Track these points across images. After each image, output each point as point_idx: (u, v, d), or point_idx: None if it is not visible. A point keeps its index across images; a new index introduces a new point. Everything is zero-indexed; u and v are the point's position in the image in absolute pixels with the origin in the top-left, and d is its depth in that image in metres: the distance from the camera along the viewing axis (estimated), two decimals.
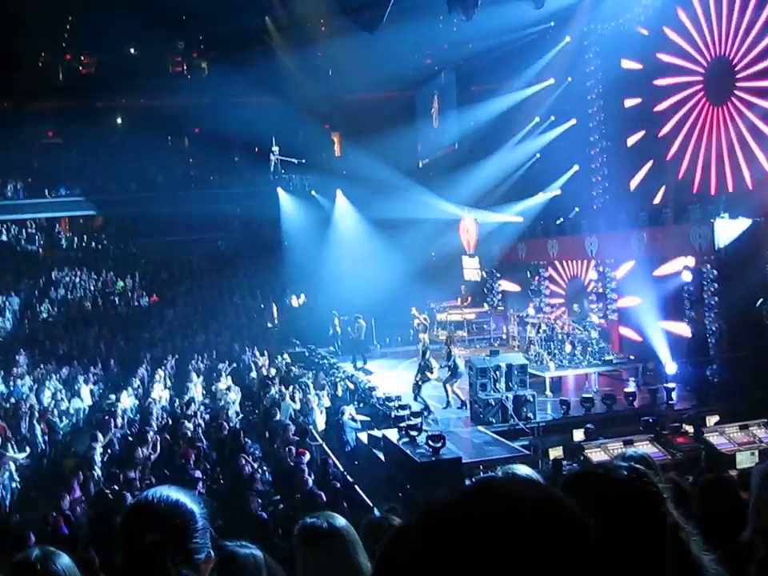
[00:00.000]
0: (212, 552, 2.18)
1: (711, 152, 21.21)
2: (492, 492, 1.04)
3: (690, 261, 17.89)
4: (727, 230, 17.04)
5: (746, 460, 10.73)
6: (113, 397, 19.39)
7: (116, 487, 11.72)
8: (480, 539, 0.98)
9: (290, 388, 18.54)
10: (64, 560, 2.65)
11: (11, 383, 22.14)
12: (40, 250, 37.72)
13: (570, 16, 25.80)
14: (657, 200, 23.02)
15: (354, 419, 15.75)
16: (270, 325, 30.90)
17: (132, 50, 41.56)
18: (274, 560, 4.26)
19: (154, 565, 2.01)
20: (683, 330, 17.99)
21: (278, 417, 16.63)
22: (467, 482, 1.13)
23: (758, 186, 18.88)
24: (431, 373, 17.06)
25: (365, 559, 3.00)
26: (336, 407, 17.05)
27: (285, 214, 36.38)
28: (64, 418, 19.27)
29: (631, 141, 24.14)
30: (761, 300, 16.65)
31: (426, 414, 15.72)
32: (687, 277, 17.89)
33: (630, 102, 24.10)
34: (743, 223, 17.08)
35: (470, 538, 0.98)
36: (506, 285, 28.50)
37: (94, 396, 21.54)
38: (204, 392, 21.17)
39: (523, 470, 3.27)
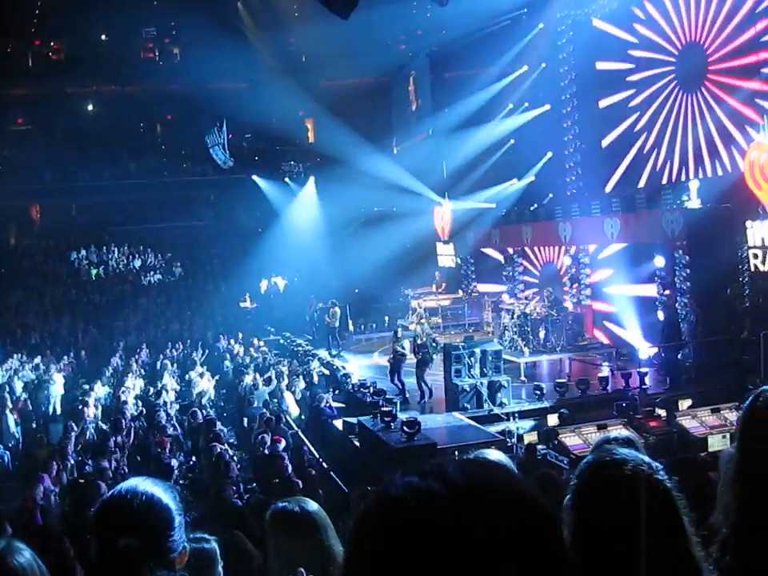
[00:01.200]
0: (187, 545, 2.16)
1: (677, 136, 21.49)
2: (446, 476, 1.05)
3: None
4: (698, 215, 17.24)
5: (717, 443, 10.84)
6: (86, 386, 19.24)
7: (90, 477, 11.65)
8: (434, 525, 0.99)
9: (266, 375, 18.52)
10: (25, 555, 2.58)
11: None
12: (11, 238, 37.34)
13: (544, 2, 25.88)
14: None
15: (330, 407, 15.76)
16: (244, 306, 30.63)
17: (103, 36, 41.06)
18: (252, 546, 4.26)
19: (129, 569, 1.99)
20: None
21: (254, 404, 16.61)
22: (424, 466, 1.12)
23: (728, 172, 19.09)
24: (403, 355, 17.11)
25: (336, 543, 3.01)
26: (312, 394, 17.04)
27: (259, 201, 36.29)
28: (38, 408, 19.14)
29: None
30: (729, 289, 16.88)
31: (400, 398, 15.84)
32: (660, 262, 18.05)
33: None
34: (714, 209, 17.27)
35: (424, 525, 0.99)
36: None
37: (67, 385, 21.39)
38: (178, 380, 21.08)
39: (495, 454, 3.29)
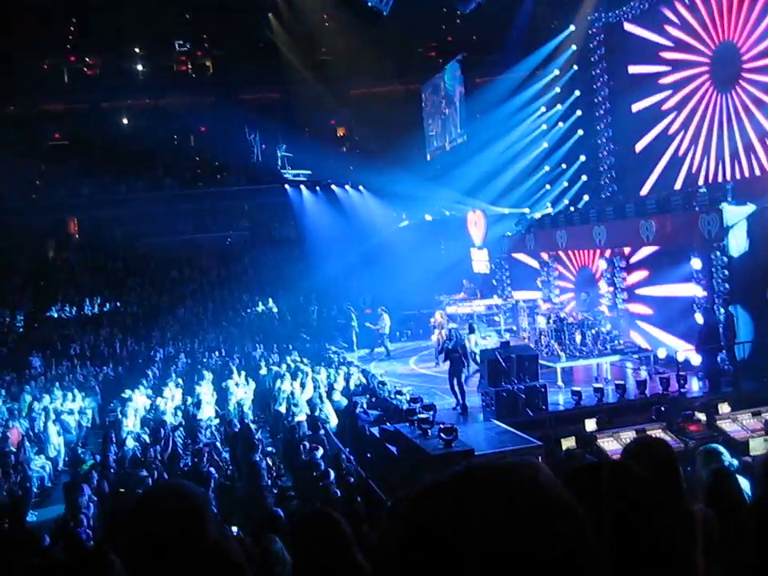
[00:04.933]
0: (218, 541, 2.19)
1: (713, 137, 21.34)
2: (475, 477, 1.06)
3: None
4: (735, 216, 17.01)
5: (759, 446, 10.68)
6: (126, 395, 19.43)
7: (130, 486, 11.78)
8: (464, 527, 1.00)
9: (302, 382, 18.60)
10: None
11: (25, 385, 22.23)
12: (50, 252, 37.88)
13: (574, 6, 25.89)
14: (648, 188, 23.20)
15: (366, 411, 15.77)
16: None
17: (137, 50, 41.66)
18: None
19: (166, 555, 2.01)
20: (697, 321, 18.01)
21: (292, 412, 16.70)
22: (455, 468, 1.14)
23: (765, 172, 18.88)
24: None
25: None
26: (348, 401, 17.07)
27: (294, 210, 36.61)
28: (79, 418, 19.37)
29: (639, 146, 24.31)
30: None
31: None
32: (697, 264, 17.85)
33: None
34: (751, 209, 17.04)
35: (455, 527, 1.00)
36: (522, 257, 28.20)
37: (107, 396, 21.63)
38: (215, 389, 21.21)
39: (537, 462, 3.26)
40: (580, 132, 27.83)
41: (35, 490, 15.05)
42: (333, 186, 36.52)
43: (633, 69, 24.40)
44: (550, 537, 1.00)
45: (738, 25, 20.43)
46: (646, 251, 20.88)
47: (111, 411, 19.06)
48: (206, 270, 36.39)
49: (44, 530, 9.80)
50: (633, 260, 21.69)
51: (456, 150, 33.39)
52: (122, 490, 11.93)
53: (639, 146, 24.40)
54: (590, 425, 13.00)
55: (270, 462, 13.43)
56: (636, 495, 1.81)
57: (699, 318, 17.23)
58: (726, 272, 17.07)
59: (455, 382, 16.73)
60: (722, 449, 6.26)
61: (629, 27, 24.16)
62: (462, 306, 26.72)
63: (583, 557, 1.03)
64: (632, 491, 1.82)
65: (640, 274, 21.38)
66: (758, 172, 19.66)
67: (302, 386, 18.34)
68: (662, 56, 23.08)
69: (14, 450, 15.92)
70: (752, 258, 16.76)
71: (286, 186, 36.66)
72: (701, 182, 21.67)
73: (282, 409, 17.55)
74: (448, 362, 16.86)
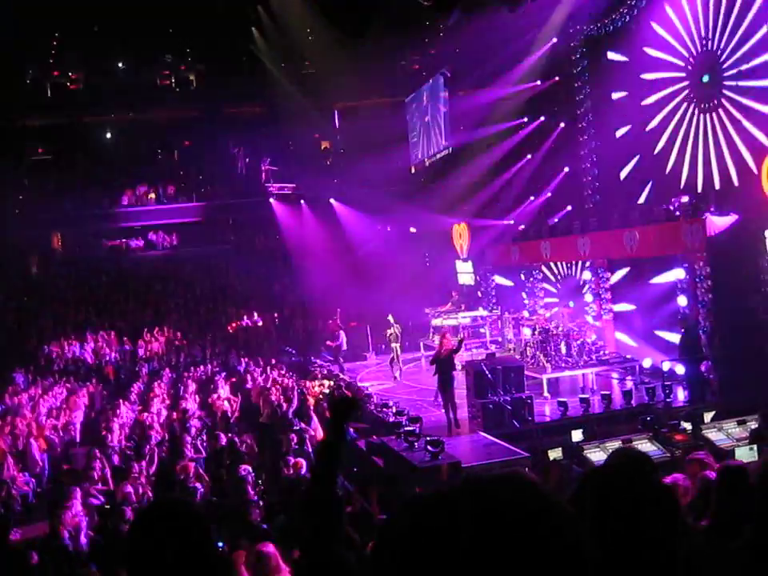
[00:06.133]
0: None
1: (698, 148, 21.40)
2: (474, 489, 1.06)
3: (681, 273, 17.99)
4: (718, 226, 17.12)
5: (745, 455, 10.70)
6: (110, 411, 19.32)
7: (115, 502, 11.69)
8: (462, 538, 1.00)
9: (289, 395, 18.56)
10: None
11: (7, 400, 22.04)
12: (33, 267, 37.63)
13: (552, 17, 25.97)
14: (642, 199, 23.22)
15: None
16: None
17: (120, 64, 41.60)
18: None
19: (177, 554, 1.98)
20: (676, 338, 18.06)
21: (278, 426, 16.65)
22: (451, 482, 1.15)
23: (747, 182, 18.99)
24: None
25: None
26: None
27: (279, 223, 36.56)
28: (61, 434, 19.22)
29: (620, 132, 24.24)
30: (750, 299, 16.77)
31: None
32: (680, 274, 17.93)
33: (617, 95, 24.20)
34: (733, 219, 17.15)
35: (453, 537, 1.00)
36: (501, 280, 28.54)
37: (91, 411, 21.49)
38: (201, 403, 21.11)
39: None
40: (563, 142, 27.91)
41: (18, 507, 14.91)
42: (317, 199, 36.50)
43: (611, 55, 24.40)
44: (548, 537, 1.02)
45: (716, 35, 20.49)
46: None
47: (96, 426, 18.93)
48: (190, 283, 36.24)
49: (30, 547, 9.68)
50: (619, 286, 21.72)
51: (440, 162, 33.46)
52: (107, 507, 11.83)
53: (619, 133, 24.37)
54: (577, 435, 13.02)
55: (256, 476, 13.36)
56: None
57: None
58: (709, 281, 17.16)
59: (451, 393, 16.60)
60: None
61: (611, 55, 24.31)
62: (447, 318, 26.72)
63: (581, 553, 1.05)
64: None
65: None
66: (735, 182, 19.76)
67: (288, 399, 18.30)
68: (643, 77, 23.18)
69: None
70: (734, 267, 16.87)
71: (271, 200, 36.61)
72: (679, 186, 21.90)
73: (268, 422, 17.49)
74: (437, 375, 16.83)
